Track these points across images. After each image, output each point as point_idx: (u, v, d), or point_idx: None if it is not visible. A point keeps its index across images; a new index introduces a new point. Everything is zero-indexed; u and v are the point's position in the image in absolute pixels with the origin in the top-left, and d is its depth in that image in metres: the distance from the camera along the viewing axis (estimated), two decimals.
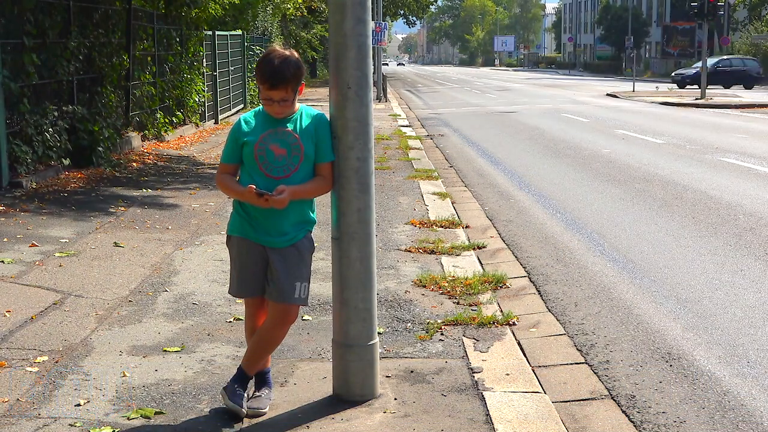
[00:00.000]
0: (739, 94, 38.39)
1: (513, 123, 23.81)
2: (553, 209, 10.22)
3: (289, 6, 30.11)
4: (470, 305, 5.90)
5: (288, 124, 3.96)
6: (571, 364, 5.07)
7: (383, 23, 34.67)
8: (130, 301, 5.99)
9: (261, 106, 4.07)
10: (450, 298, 6.10)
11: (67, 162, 11.51)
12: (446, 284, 6.38)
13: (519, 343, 5.24)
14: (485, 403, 4.20)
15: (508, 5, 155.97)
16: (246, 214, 3.97)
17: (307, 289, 4.04)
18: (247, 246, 4.01)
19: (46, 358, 4.79)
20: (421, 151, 16.27)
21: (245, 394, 4.05)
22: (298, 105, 4.05)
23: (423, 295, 6.19)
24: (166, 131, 16.51)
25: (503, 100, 36.12)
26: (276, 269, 3.96)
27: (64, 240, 7.75)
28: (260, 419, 4.00)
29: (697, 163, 14.33)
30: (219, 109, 21.83)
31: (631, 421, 4.29)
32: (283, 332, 4.08)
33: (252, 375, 4.13)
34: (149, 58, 16.14)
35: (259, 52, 27.60)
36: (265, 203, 3.81)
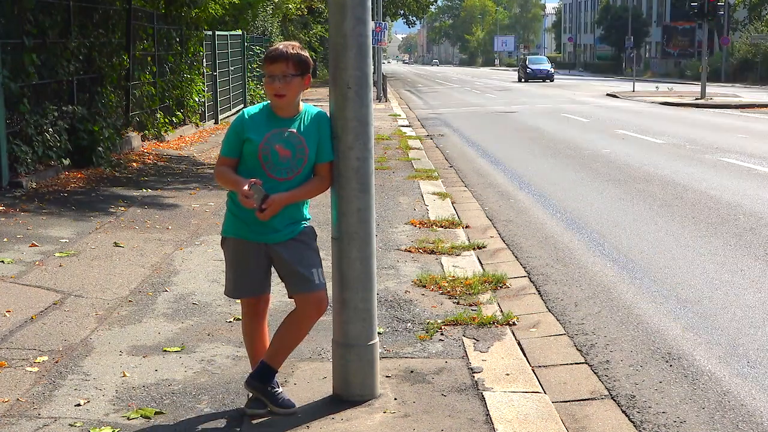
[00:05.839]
0: (739, 94, 38.39)
1: (513, 123, 23.81)
2: (553, 209, 10.22)
3: (289, 6, 30.13)
4: (470, 305, 5.90)
5: (292, 125, 3.95)
6: (571, 364, 5.07)
7: (383, 23, 34.66)
8: (130, 301, 5.99)
9: (265, 102, 4.05)
10: (450, 298, 6.10)
11: (67, 162, 11.51)
12: (446, 284, 6.38)
13: (519, 343, 5.24)
14: (485, 403, 4.20)
15: (508, 5, 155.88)
16: (241, 213, 3.93)
17: (323, 275, 4.00)
18: (244, 246, 3.98)
19: (46, 358, 4.79)
20: (421, 151, 16.27)
21: (280, 389, 4.05)
22: (302, 105, 4.03)
23: (423, 295, 6.19)
24: (166, 131, 16.51)
25: (503, 100, 36.12)
26: (287, 261, 3.93)
27: (64, 240, 7.75)
28: (260, 419, 4.00)
29: (697, 163, 14.33)
30: (219, 109, 21.83)
31: (631, 421, 4.29)
32: (312, 322, 4.03)
33: (277, 368, 4.08)
34: (149, 58, 16.14)
35: (259, 51, 27.61)
36: (258, 215, 3.81)
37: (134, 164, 13.06)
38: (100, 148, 12.21)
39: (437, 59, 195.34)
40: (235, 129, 3.96)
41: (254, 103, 24.63)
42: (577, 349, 5.35)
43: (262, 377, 4.04)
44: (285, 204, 3.87)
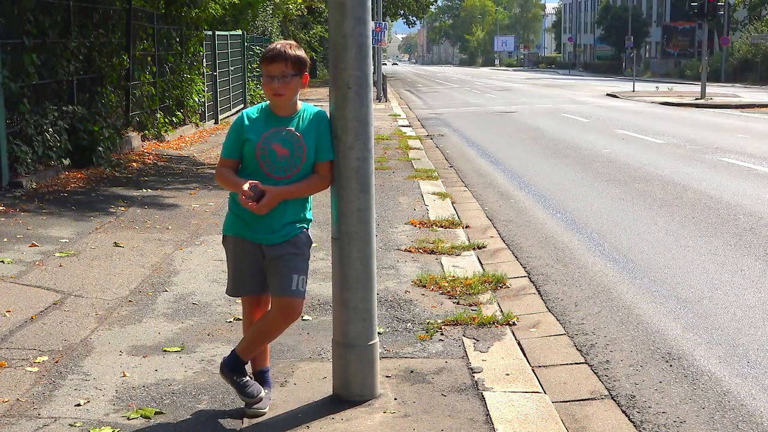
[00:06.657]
0: (739, 94, 38.39)
1: (513, 123, 23.81)
2: (553, 209, 10.22)
3: (289, 6, 30.13)
4: (470, 305, 5.89)
5: (291, 124, 3.95)
6: (571, 364, 5.07)
7: (383, 23, 34.67)
8: (130, 301, 5.99)
9: (264, 103, 4.06)
10: (450, 298, 6.10)
11: (67, 162, 11.52)
12: (446, 284, 6.38)
13: (519, 343, 5.24)
14: (485, 403, 4.20)
15: (508, 5, 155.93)
16: (242, 212, 3.94)
17: (305, 283, 3.99)
18: (242, 245, 3.99)
19: (46, 358, 4.79)
20: (421, 151, 16.27)
21: (249, 379, 4.04)
22: (300, 104, 4.03)
23: (423, 295, 6.19)
24: (166, 131, 16.51)
25: (503, 100, 36.12)
26: (273, 264, 3.94)
27: (64, 240, 7.75)
28: (260, 419, 4.00)
29: (697, 163, 14.33)
30: (219, 109, 21.83)
31: (631, 421, 4.29)
32: (282, 327, 4.02)
33: (246, 360, 4.07)
34: (149, 58, 16.14)
35: (259, 52, 27.61)
36: (253, 208, 3.80)
37: (134, 164, 13.06)
38: (100, 148, 12.21)
39: (415, 60, 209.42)
40: (235, 130, 3.97)
41: (254, 103, 24.71)
42: (577, 349, 5.35)
43: (231, 366, 4.04)
44: (281, 198, 3.87)
